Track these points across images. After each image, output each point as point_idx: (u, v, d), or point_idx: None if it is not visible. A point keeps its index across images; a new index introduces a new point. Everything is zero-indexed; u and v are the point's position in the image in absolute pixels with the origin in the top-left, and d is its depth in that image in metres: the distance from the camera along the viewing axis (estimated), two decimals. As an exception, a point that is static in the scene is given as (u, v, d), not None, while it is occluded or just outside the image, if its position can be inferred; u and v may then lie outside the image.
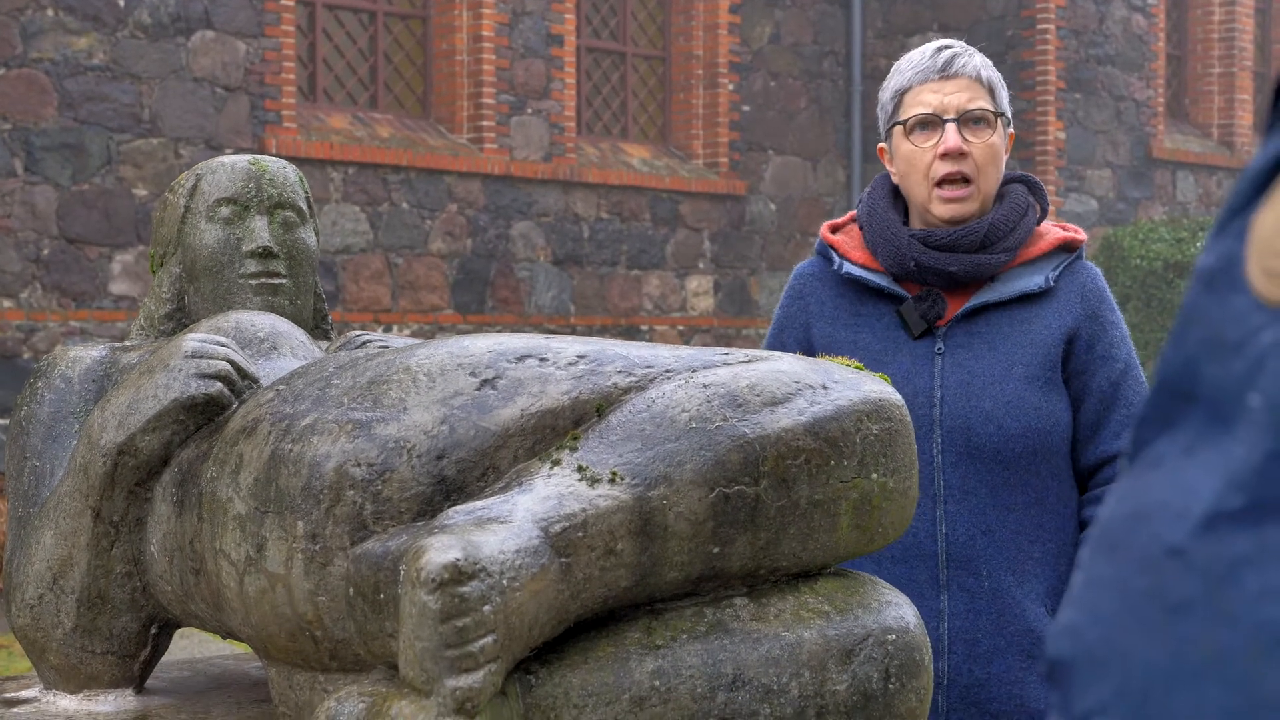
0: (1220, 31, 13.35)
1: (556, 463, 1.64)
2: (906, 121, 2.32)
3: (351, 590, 1.66)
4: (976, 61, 2.34)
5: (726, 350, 1.82)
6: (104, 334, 8.47)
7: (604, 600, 1.61)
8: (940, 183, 2.31)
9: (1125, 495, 0.56)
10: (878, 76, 12.04)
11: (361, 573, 1.65)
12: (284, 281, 2.29)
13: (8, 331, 8.21)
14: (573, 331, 10.50)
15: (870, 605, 1.74)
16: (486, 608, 1.45)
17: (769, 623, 1.68)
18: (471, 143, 10.14)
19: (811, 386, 1.72)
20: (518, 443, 1.69)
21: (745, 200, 11.61)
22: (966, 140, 2.29)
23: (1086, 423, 2.29)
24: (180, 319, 2.32)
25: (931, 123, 2.31)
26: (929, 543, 2.26)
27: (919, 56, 2.35)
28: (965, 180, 2.31)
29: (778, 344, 2.43)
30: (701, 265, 11.36)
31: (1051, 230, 2.38)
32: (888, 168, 2.41)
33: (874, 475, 1.73)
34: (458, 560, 1.44)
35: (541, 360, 1.76)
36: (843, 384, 1.75)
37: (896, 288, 2.33)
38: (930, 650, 1.79)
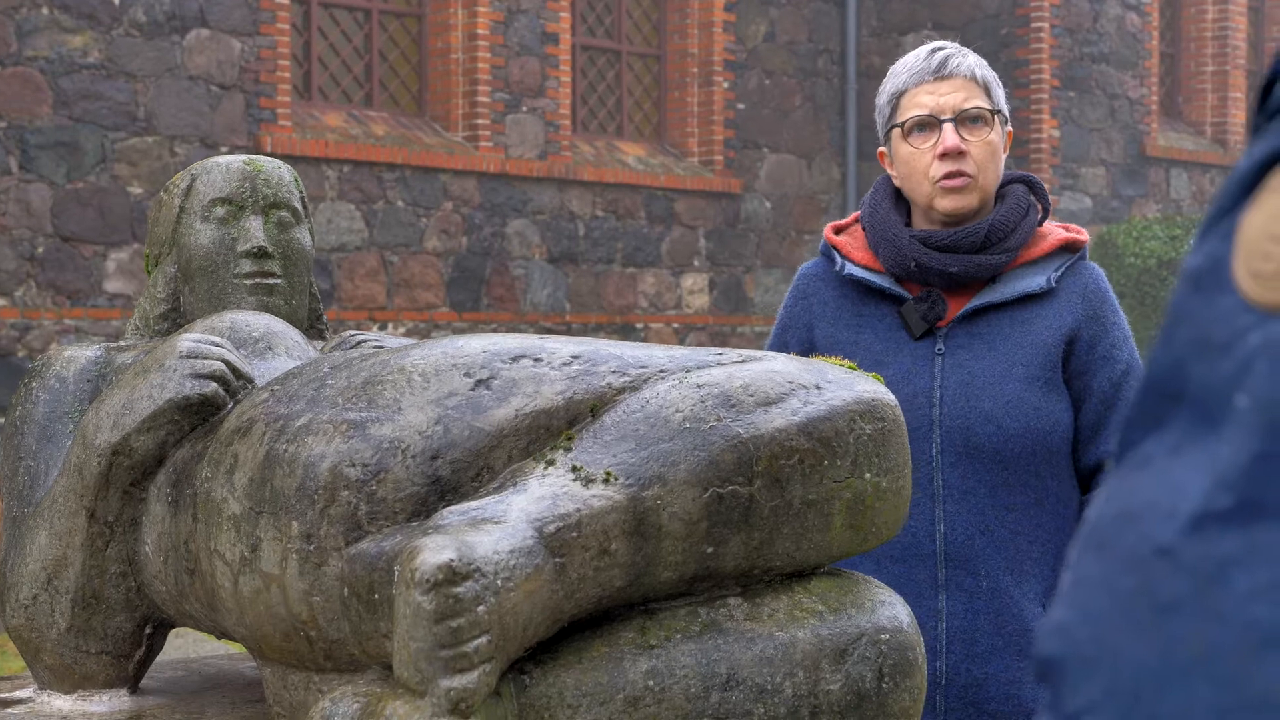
0: (1214, 30, 13.36)
1: (551, 463, 1.65)
2: (904, 124, 2.33)
3: (346, 590, 1.67)
4: (970, 61, 2.35)
5: (720, 350, 1.82)
6: (99, 332, 8.47)
7: (598, 600, 1.62)
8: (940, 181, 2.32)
9: (1113, 495, 0.57)
10: (872, 74, 12.04)
11: (356, 573, 1.66)
12: (279, 281, 2.29)
13: (2, 330, 8.20)
14: (568, 329, 10.50)
15: (864, 604, 1.74)
16: (481, 608, 1.45)
17: (763, 622, 1.68)
18: (467, 140, 10.14)
19: (805, 386, 1.73)
20: (512, 443, 1.69)
21: (740, 198, 11.61)
22: (964, 139, 2.30)
23: (1087, 423, 2.30)
24: (175, 319, 2.32)
25: (929, 124, 2.32)
26: (927, 542, 2.26)
27: (913, 59, 2.35)
28: (964, 175, 2.32)
29: (781, 344, 2.44)
30: (697, 263, 11.36)
31: (1054, 231, 2.38)
32: (888, 170, 2.41)
33: (867, 475, 1.73)
34: (452, 561, 1.44)
35: (536, 360, 1.76)
36: (836, 384, 1.75)
37: (898, 288, 2.34)
38: (924, 649, 1.80)
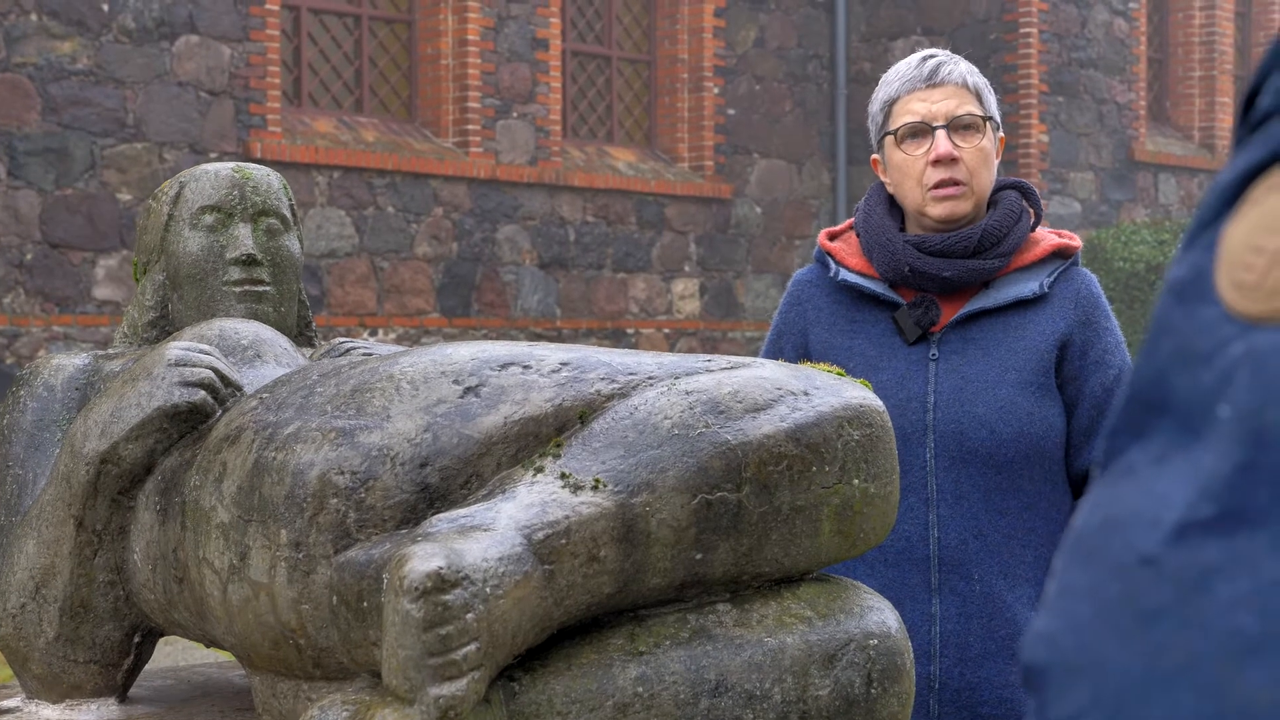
0: (1201, 35, 13.40)
1: (540, 470, 1.65)
2: (897, 131, 2.34)
3: (335, 598, 1.67)
4: (962, 69, 2.36)
5: (709, 357, 1.83)
6: (87, 339, 8.45)
7: (587, 607, 1.62)
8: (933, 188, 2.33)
9: (1098, 504, 0.57)
10: (862, 80, 12.06)
11: (345, 581, 1.66)
12: (268, 289, 2.29)
13: (-9, 337, 8.18)
14: (559, 335, 10.51)
15: (852, 610, 1.75)
16: (470, 615, 1.45)
17: (752, 628, 1.69)
18: (457, 146, 10.14)
19: (793, 393, 1.73)
20: (501, 450, 1.69)
21: (731, 203, 11.63)
22: (957, 146, 2.31)
23: (1080, 429, 2.31)
24: (164, 326, 2.32)
25: (921, 131, 2.33)
26: (921, 546, 2.27)
27: (905, 67, 2.37)
28: (958, 184, 2.33)
29: (776, 350, 2.45)
30: (687, 268, 11.37)
31: (1047, 237, 2.39)
32: (881, 178, 2.43)
33: (855, 481, 1.73)
34: (441, 568, 1.45)
35: (525, 368, 1.77)
36: (824, 390, 1.75)
37: (892, 294, 2.35)
38: (912, 654, 1.80)
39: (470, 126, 10.09)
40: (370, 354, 2.13)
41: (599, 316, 10.80)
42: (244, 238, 2.28)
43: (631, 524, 1.61)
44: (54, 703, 2.08)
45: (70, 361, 2.21)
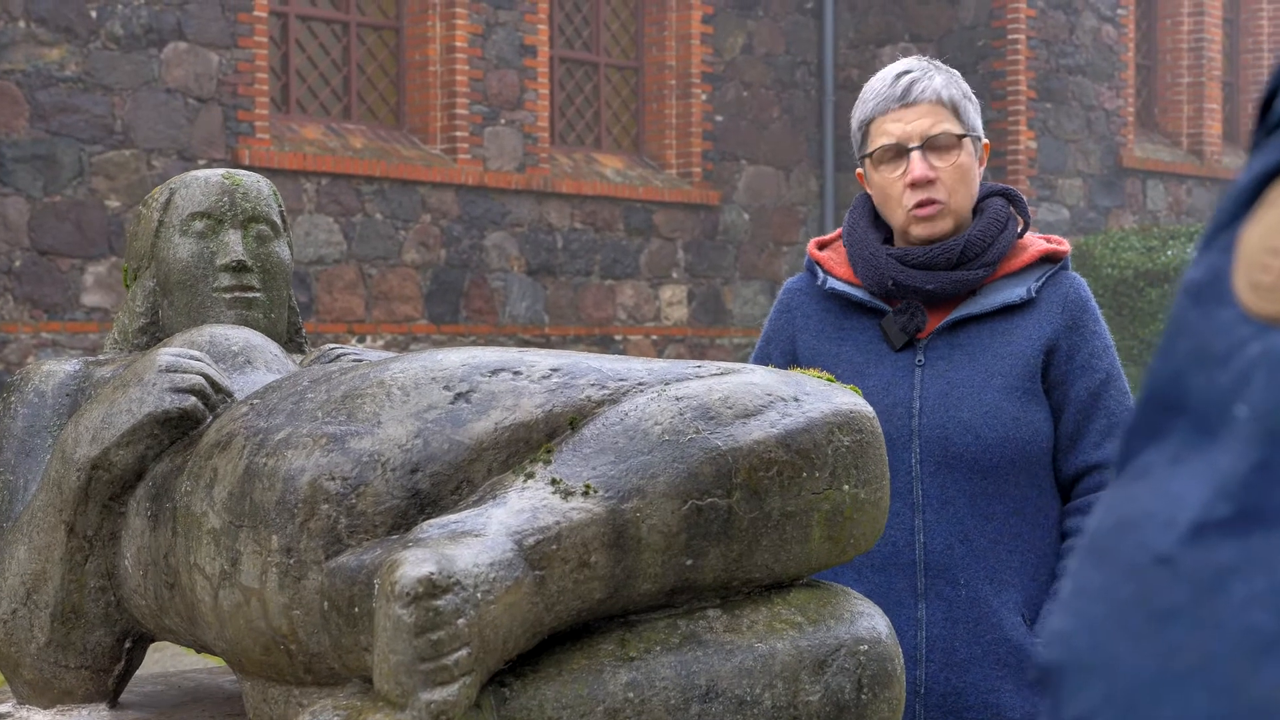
0: (1189, 41, 13.45)
1: (530, 476, 1.65)
2: (873, 154, 2.35)
3: (326, 604, 1.67)
4: (936, 83, 2.34)
5: (699, 363, 1.83)
6: (76, 346, 8.43)
7: (578, 613, 1.62)
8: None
9: (1113, 504, 0.57)
10: (850, 86, 12.08)
11: (336, 586, 1.66)
12: (258, 295, 2.30)
13: (-21, 344, 8.16)
14: (547, 341, 10.50)
15: (842, 616, 1.75)
16: (460, 621, 1.45)
17: (742, 634, 1.69)
18: (445, 153, 10.13)
19: (783, 399, 1.74)
20: (491, 456, 1.69)
21: (718, 210, 11.64)
22: (933, 165, 2.31)
23: (1066, 433, 2.31)
24: (154, 333, 2.32)
25: (898, 153, 2.33)
26: (907, 552, 2.27)
27: (879, 84, 2.36)
28: (935, 203, 2.33)
29: (764, 356, 2.47)
30: (675, 275, 11.38)
31: (1035, 242, 2.40)
32: (867, 190, 2.44)
33: (845, 487, 1.74)
34: (432, 574, 1.45)
35: (515, 373, 1.77)
36: (814, 396, 1.76)
37: (878, 302, 2.36)
38: (902, 660, 1.80)
39: (458, 133, 10.09)
40: (361, 360, 2.14)
41: (587, 323, 10.80)
42: (234, 244, 2.28)
43: (622, 530, 1.62)
44: (45, 708, 2.08)
45: (61, 367, 2.21)
